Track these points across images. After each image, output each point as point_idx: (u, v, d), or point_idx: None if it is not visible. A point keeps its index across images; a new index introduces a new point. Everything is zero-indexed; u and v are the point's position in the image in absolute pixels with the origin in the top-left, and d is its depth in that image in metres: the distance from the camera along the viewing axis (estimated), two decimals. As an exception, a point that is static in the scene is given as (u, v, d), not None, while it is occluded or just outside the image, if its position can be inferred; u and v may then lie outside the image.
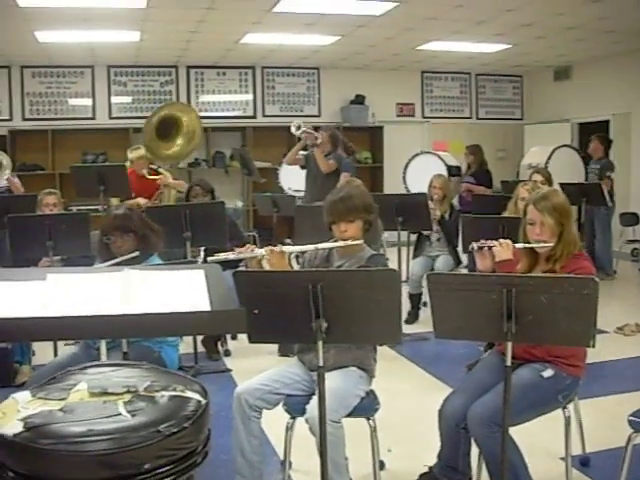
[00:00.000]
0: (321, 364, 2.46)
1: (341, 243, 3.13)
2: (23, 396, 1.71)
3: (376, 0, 7.05)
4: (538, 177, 6.03)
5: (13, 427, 1.56)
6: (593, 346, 2.34)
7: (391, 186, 10.70)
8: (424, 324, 6.20)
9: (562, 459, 3.16)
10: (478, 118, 12.42)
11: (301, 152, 7.35)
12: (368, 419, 3.06)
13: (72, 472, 1.52)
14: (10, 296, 2.04)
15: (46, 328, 1.95)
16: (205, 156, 11.00)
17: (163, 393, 1.71)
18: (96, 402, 1.68)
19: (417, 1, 7.09)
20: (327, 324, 2.39)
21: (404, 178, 9.10)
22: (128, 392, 1.71)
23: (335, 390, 2.90)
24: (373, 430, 3.07)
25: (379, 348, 5.45)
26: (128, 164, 7.00)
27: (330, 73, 11.47)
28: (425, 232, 6.49)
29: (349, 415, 3.00)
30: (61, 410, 1.64)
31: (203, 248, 5.39)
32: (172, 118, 7.36)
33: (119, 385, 1.75)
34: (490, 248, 3.10)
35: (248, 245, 3.25)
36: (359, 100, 11.50)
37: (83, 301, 2.04)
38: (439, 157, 8.95)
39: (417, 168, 8.87)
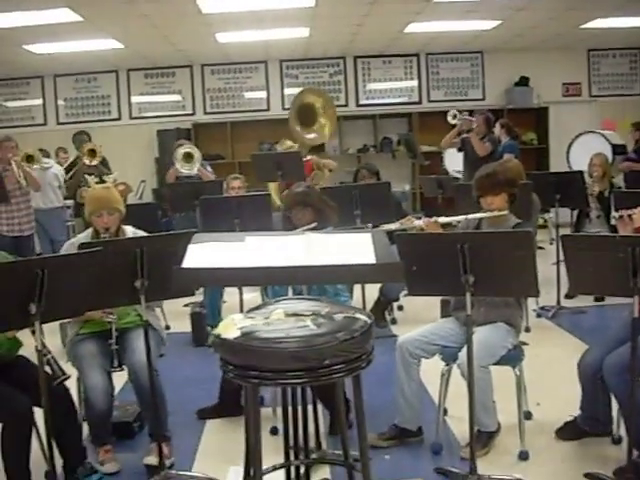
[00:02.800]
0: (469, 313, 2.92)
1: (488, 214, 3.55)
2: (238, 316, 2.32)
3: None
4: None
5: (233, 333, 2.17)
6: None
7: (557, 167, 10.59)
8: (582, 299, 6.41)
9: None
10: (649, 94, 12.07)
11: (454, 139, 7.76)
12: (514, 367, 3.47)
13: (273, 364, 2.12)
14: (217, 252, 2.60)
15: (246, 275, 2.50)
16: (373, 142, 11.50)
17: (339, 314, 2.26)
18: (290, 319, 2.26)
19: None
20: (474, 278, 2.83)
21: (567, 158, 9.17)
22: (313, 314, 2.27)
23: (484, 340, 3.35)
24: (518, 378, 3.47)
25: (537, 319, 5.85)
26: None
27: (493, 56, 11.54)
28: (585, 209, 6.67)
29: (496, 363, 3.42)
30: (265, 323, 2.23)
31: (371, 225, 5.89)
32: (308, 105, 7.80)
33: (306, 309, 2.33)
34: (630, 216, 3.38)
35: (409, 217, 3.72)
36: (523, 82, 11.50)
37: (274, 255, 2.58)
38: (603, 136, 8.94)
39: (581, 148, 8.90)
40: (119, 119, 11.50)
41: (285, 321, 2.22)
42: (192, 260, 2.42)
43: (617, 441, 3.46)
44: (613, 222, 3.49)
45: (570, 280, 2.88)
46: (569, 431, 3.59)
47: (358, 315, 2.29)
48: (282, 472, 2.91)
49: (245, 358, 2.14)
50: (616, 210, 3.43)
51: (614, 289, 2.87)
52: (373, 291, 5.87)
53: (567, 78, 11.84)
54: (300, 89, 9.77)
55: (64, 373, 3.11)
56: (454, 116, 7.66)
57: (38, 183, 6.89)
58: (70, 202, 8.39)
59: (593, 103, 11.91)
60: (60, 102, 11.44)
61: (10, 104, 11.38)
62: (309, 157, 7.65)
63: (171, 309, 6.04)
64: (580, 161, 8.23)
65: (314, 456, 3.10)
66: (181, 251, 2.43)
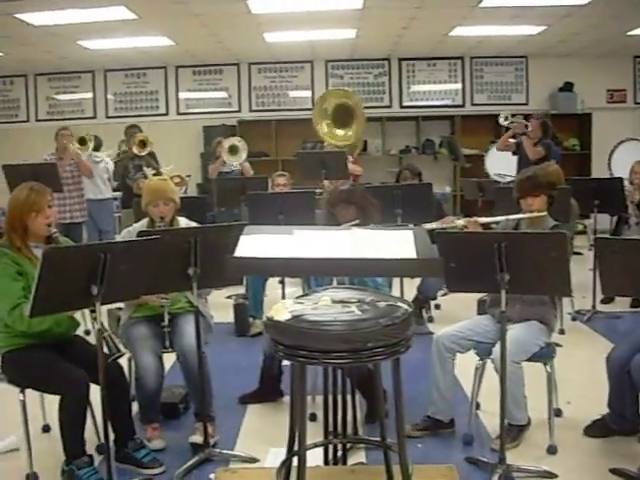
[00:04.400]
0: (503, 309, 3.07)
1: (527, 215, 3.69)
2: (288, 301, 2.51)
3: (581, -9, 7.31)
4: None
5: (284, 316, 2.36)
6: None
7: (598, 173, 10.59)
8: (618, 304, 6.50)
9: None
10: (695, 103, 11.98)
11: (511, 140, 7.81)
12: (545, 364, 3.60)
13: (320, 344, 2.30)
14: (267, 243, 2.77)
15: (294, 265, 2.67)
16: (415, 143, 11.59)
17: (382, 302, 2.44)
18: (336, 305, 2.44)
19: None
20: (509, 276, 2.97)
21: (609, 164, 9.21)
22: (358, 301, 2.44)
23: (518, 337, 3.49)
24: (549, 375, 3.60)
25: (572, 322, 5.94)
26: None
27: (538, 61, 11.52)
28: (624, 215, 6.73)
29: (529, 360, 3.56)
30: (314, 308, 2.42)
31: (412, 224, 6.04)
32: (344, 106, 7.91)
33: (351, 297, 2.50)
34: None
35: (449, 217, 3.87)
36: (568, 87, 11.48)
37: (321, 248, 2.74)
38: (645, 143, 8.97)
39: (623, 154, 8.96)
40: (166, 114, 11.78)
41: (332, 307, 2.41)
42: (244, 250, 2.60)
43: (644, 440, 3.57)
44: (631, 224, 3.58)
45: (602, 281, 3.01)
46: (597, 429, 3.70)
47: (400, 304, 2.47)
48: (321, 455, 3.10)
49: (294, 339, 2.32)
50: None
51: (645, 291, 2.99)
52: (411, 289, 6.01)
53: (612, 84, 11.77)
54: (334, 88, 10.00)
55: (119, 350, 3.32)
56: (505, 118, 7.76)
57: (90, 169, 7.21)
58: (118, 194, 8.68)
59: (638, 110, 11.85)
60: (110, 96, 11.76)
61: (61, 97, 11.73)
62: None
63: (214, 301, 6.16)
64: (621, 168, 8.25)
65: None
66: (232, 242, 2.60)
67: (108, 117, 11.72)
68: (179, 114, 11.78)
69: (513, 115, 7.93)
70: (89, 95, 11.75)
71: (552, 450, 3.54)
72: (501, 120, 7.83)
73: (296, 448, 2.45)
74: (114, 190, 8.39)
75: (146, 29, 8.51)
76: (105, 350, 3.15)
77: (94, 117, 11.74)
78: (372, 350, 2.28)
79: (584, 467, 3.41)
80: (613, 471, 3.30)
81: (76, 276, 2.84)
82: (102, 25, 8.09)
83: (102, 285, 2.86)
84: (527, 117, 7.83)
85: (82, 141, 7.35)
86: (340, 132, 7.79)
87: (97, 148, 8.13)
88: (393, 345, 2.33)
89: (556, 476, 3.29)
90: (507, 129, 7.89)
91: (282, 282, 5.48)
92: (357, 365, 2.53)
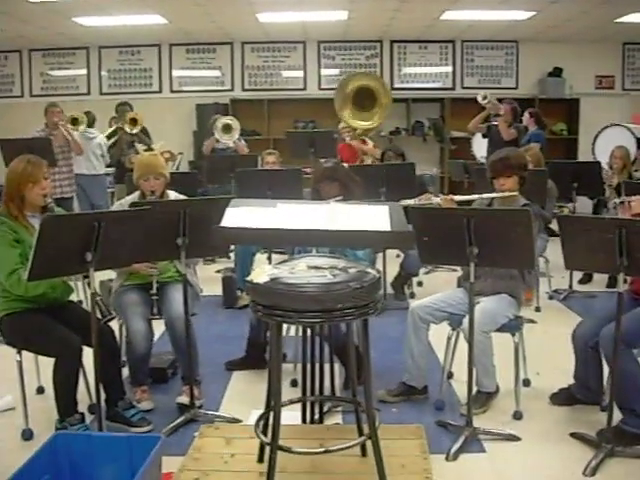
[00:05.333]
0: (472, 280, 3.27)
1: (499, 194, 3.89)
2: (268, 266, 2.72)
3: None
4: None
5: (263, 279, 2.56)
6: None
7: (585, 157, 10.73)
8: (595, 284, 6.73)
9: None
10: (683, 89, 12.14)
11: (481, 124, 8.02)
12: (513, 335, 3.82)
13: (295, 305, 2.51)
14: (252, 214, 2.96)
15: (276, 235, 2.87)
16: (406, 125, 11.76)
17: (353, 269, 2.64)
18: (311, 270, 2.64)
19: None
20: (477, 250, 3.17)
21: (593, 149, 9.39)
22: (331, 267, 2.64)
23: (488, 308, 3.71)
24: (517, 345, 3.82)
25: (549, 301, 6.16)
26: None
27: (528, 46, 11.69)
28: (603, 199, 6.94)
29: (498, 330, 3.77)
30: (290, 272, 2.63)
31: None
32: (368, 89, 8.09)
33: (326, 264, 2.70)
34: (629, 203, 3.68)
35: (427, 194, 4.07)
36: (557, 72, 11.64)
37: (301, 220, 2.93)
38: (628, 129, 9.14)
39: (606, 140, 9.09)
40: (160, 92, 11.91)
41: (307, 271, 2.62)
42: (230, 221, 2.79)
43: (605, 409, 3.76)
44: (609, 207, 3.79)
45: (565, 257, 3.21)
46: (562, 397, 3.92)
47: (369, 270, 2.67)
48: (299, 416, 3.32)
49: (272, 299, 2.54)
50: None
51: (603, 266, 3.19)
52: (394, 266, 6.22)
53: (600, 71, 11.95)
54: (348, 71, 10.09)
55: (110, 313, 3.51)
56: (484, 97, 7.94)
57: (80, 147, 7.35)
58: (111, 170, 8.84)
59: (625, 96, 12.01)
60: (104, 73, 11.88)
61: (55, 73, 11.85)
62: (353, 141, 7.98)
63: (204, 275, 6.39)
64: (605, 153, 8.42)
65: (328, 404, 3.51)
66: (219, 214, 2.80)
67: (102, 94, 11.83)
68: (172, 92, 11.92)
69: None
70: (83, 71, 11.86)
71: (517, 416, 3.76)
72: (479, 98, 8.01)
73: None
74: (107, 166, 8.55)
75: (141, 7, 8.64)
76: (98, 315, 3.34)
77: (88, 93, 11.85)
78: (343, 311, 2.50)
79: (547, 432, 3.62)
80: (573, 435, 3.52)
81: (72, 243, 3.02)
82: (97, 3, 8.24)
83: (96, 252, 3.04)
84: (500, 100, 8.03)
85: (74, 121, 7.50)
86: (364, 115, 7.95)
87: (91, 124, 8.27)
88: (362, 307, 2.55)
89: (519, 439, 3.51)
90: (483, 109, 8.09)
91: (269, 258, 5.68)
92: (328, 324, 2.72)
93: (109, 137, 8.66)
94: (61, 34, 10.42)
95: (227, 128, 7.97)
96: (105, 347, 3.46)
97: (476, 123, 8.09)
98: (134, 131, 8.04)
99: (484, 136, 8.01)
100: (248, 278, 2.62)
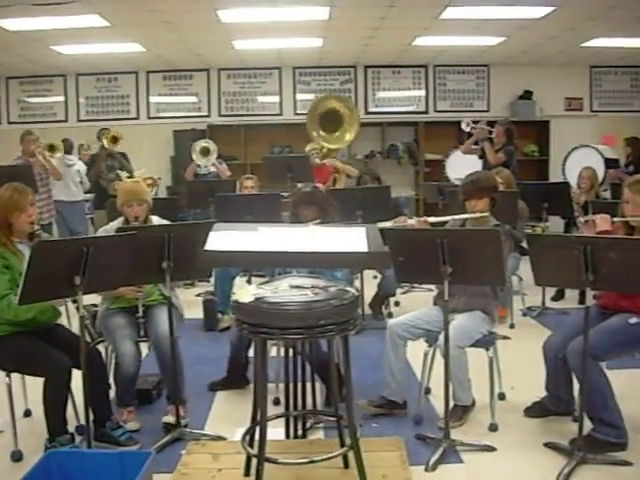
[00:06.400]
0: (446, 298, 3.42)
1: (471, 215, 4.06)
2: (252, 287, 2.85)
3: (535, 6, 7.72)
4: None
5: (248, 299, 2.70)
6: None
7: (556, 178, 10.86)
8: (567, 301, 6.92)
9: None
10: (649, 112, 12.46)
11: (474, 146, 8.19)
12: (487, 350, 3.97)
13: (279, 322, 2.65)
14: (234, 238, 3.09)
15: (258, 257, 3.01)
16: (380, 148, 11.95)
17: (333, 287, 2.78)
18: (293, 289, 2.78)
19: (575, 3, 7.56)
20: (451, 269, 3.33)
21: (563, 170, 9.63)
22: (312, 286, 2.78)
23: (462, 325, 3.87)
24: (491, 360, 3.97)
25: (522, 318, 6.32)
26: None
27: (499, 70, 11.95)
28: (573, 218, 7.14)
29: (472, 346, 3.92)
30: (274, 292, 2.76)
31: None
32: (336, 112, 8.24)
33: (307, 284, 2.84)
34: (594, 221, 3.87)
35: (402, 217, 4.23)
36: (527, 95, 11.90)
37: (282, 242, 3.06)
38: (597, 150, 9.39)
39: (576, 160, 9.31)
40: (137, 118, 12.02)
41: (290, 291, 2.76)
42: (214, 244, 2.92)
43: (577, 419, 3.92)
44: (579, 226, 3.97)
45: (534, 273, 3.37)
46: (536, 410, 4.08)
47: (348, 289, 2.81)
48: (282, 431, 3.44)
49: (256, 317, 2.67)
50: (586, 216, 3.93)
51: (570, 282, 3.36)
52: (372, 287, 6.37)
53: (569, 93, 12.23)
54: (322, 95, 10.24)
55: (100, 335, 3.62)
56: (467, 124, 8.13)
57: (59, 172, 7.46)
58: (90, 196, 8.94)
59: (594, 118, 12.29)
60: (81, 100, 11.98)
61: (33, 100, 11.92)
62: (327, 161, 8.13)
63: (184, 298, 6.46)
64: (574, 173, 8.65)
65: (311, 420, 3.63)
66: (202, 238, 2.93)
67: (79, 120, 11.94)
68: (150, 118, 12.03)
69: (475, 122, 8.26)
70: (61, 99, 11.96)
71: (493, 428, 3.91)
72: (463, 126, 8.21)
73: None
74: (87, 192, 8.65)
75: (118, 36, 8.78)
76: (87, 338, 3.44)
77: (66, 120, 11.94)
78: (324, 327, 2.64)
79: (522, 442, 3.77)
80: (547, 444, 3.66)
81: (61, 267, 3.12)
82: (76, 32, 8.35)
83: (84, 276, 3.15)
84: (492, 124, 8.22)
85: (51, 148, 7.61)
86: (333, 135, 8.06)
87: (68, 151, 8.40)
88: (342, 323, 2.69)
89: (495, 449, 3.65)
90: (470, 135, 8.27)
91: (249, 281, 5.80)
92: (310, 340, 2.86)
93: (91, 162, 8.76)
94: (38, 62, 10.53)
95: (205, 151, 8.13)
96: (93, 369, 3.56)
97: (467, 147, 8.25)
98: (115, 149, 8.18)
99: (480, 157, 8.14)
100: (233, 298, 2.75)
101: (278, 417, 3.27)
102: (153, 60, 10.81)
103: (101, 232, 4.36)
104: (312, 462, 2.80)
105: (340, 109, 8.08)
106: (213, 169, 8.22)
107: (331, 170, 8.08)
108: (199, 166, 8.17)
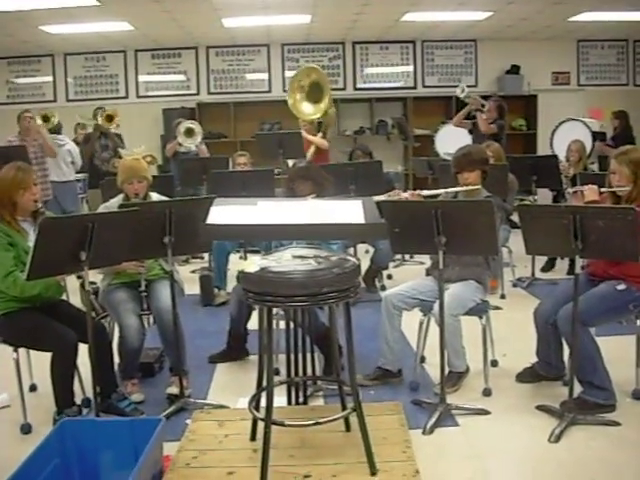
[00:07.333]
0: (441, 267, 3.53)
1: (463, 188, 4.17)
2: (257, 257, 2.95)
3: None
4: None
5: (253, 269, 2.80)
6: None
7: (544, 151, 10.93)
8: (556, 272, 7.07)
9: None
10: (635, 85, 12.48)
11: (465, 120, 8.26)
12: (480, 318, 4.10)
13: (283, 290, 2.75)
14: (235, 212, 3.18)
15: (258, 230, 3.09)
16: (369, 124, 12.02)
17: (335, 256, 2.89)
18: (296, 259, 2.89)
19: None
20: (445, 239, 3.44)
21: (551, 143, 9.73)
22: (315, 256, 2.88)
23: (456, 294, 3.99)
24: (484, 327, 4.11)
25: (513, 289, 6.45)
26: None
27: (487, 45, 12.00)
28: (562, 190, 7.27)
29: (466, 314, 4.05)
30: (278, 262, 2.87)
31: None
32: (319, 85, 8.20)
33: (309, 254, 2.95)
34: (582, 192, 3.98)
35: (395, 190, 4.33)
36: (514, 70, 11.97)
37: (282, 216, 3.16)
38: (584, 123, 9.48)
39: (564, 134, 9.37)
40: (126, 97, 12.02)
41: (293, 261, 2.87)
42: (215, 219, 3.01)
43: (567, 383, 4.06)
44: (568, 197, 4.09)
45: (525, 243, 3.49)
46: (527, 375, 4.22)
47: (349, 258, 2.92)
48: (284, 400, 3.56)
49: (262, 286, 2.77)
50: (574, 187, 4.04)
51: (560, 250, 3.49)
52: (365, 260, 6.47)
53: (556, 67, 12.31)
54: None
55: (104, 310, 3.72)
56: (462, 90, 8.19)
57: (54, 150, 7.51)
58: (82, 175, 8.99)
59: (581, 92, 12.37)
60: (70, 80, 11.95)
61: (21, 81, 11.89)
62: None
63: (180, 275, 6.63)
64: (562, 146, 8.72)
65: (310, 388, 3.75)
66: (203, 214, 3.01)
67: (68, 100, 11.93)
68: (139, 97, 12.04)
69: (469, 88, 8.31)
70: (49, 79, 11.93)
71: (487, 393, 4.05)
72: (458, 92, 8.27)
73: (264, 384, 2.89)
74: (79, 171, 8.69)
75: (107, 15, 8.78)
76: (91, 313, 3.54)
77: (54, 100, 11.90)
78: (327, 294, 2.74)
79: (514, 406, 3.92)
80: (538, 407, 3.81)
81: (67, 243, 3.22)
82: (65, 11, 8.36)
83: (90, 251, 3.25)
84: (485, 98, 8.30)
85: (45, 118, 7.65)
86: (308, 107, 8.04)
87: (58, 132, 8.42)
88: (344, 290, 2.80)
89: (489, 413, 3.79)
90: (463, 104, 8.34)
91: (244, 257, 5.91)
92: (315, 306, 2.98)
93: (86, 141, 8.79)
94: (27, 42, 10.50)
95: (190, 132, 8.19)
96: (99, 342, 3.66)
97: (459, 119, 8.34)
98: (111, 127, 8.23)
99: (470, 132, 8.23)
100: (239, 268, 2.85)
101: (282, 383, 3.39)
102: (141, 39, 10.81)
103: (101, 209, 4.44)
104: (317, 424, 2.92)
105: (320, 81, 8.02)
106: (194, 148, 8.29)
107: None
108: (180, 145, 8.24)
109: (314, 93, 7.84)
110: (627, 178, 3.77)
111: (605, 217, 3.19)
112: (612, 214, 3.19)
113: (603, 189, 3.89)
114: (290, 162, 7.31)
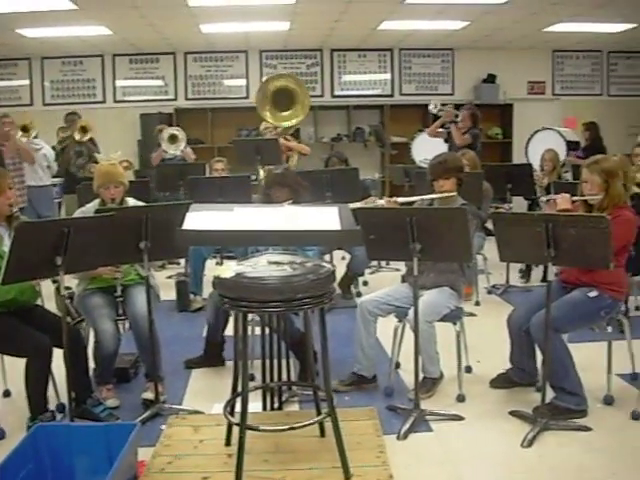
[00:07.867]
0: (416, 274, 3.58)
1: (439, 195, 4.22)
2: (232, 263, 2.96)
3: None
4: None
5: (229, 274, 2.81)
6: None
7: (519, 160, 11.01)
8: (533, 280, 7.14)
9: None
10: (609, 95, 12.65)
11: (440, 129, 8.34)
12: (454, 324, 4.14)
13: (258, 296, 2.77)
14: (211, 218, 3.19)
15: (234, 236, 3.11)
16: (346, 131, 12.05)
17: (310, 263, 2.91)
18: (272, 265, 2.90)
19: (538, -12, 7.80)
20: (420, 246, 3.48)
21: (526, 152, 9.84)
22: (290, 262, 2.90)
23: (431, 300, 4.03)
24: (458, 333, 4.15)
25: (487, 295, 6.51)
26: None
27: (463, 54, 12.10)
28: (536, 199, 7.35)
29: (440, 320, 4.08)
30: (253, 268, 2.89)
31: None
32: (287, 90, 8.22)
33: (285, 260, 2.96)
34: (555, 200, 4.04)
35: (371, 197, 4.36)
36: (491, 79, 12.07)
37: (258, 222, 3.18)
38: (558, 133, 9.61)
39: (538, 143, 9.51)
40: (104, 102, 11.95)
41: (268, 266, 2.88)
42: (190, 224, 3.02)
43: (540, 389, 4.11)
44: (542, 206, 4.15)
45: (499, 250, 3.54)
46: (501, 381, 4.27)
47: (324, 264, 2.95)
48: (259, 405, 3.57)
49: (237, 292, 2.79)
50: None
51: (533, 257, 3.54)
52: (341, 267, 6.51)
53: (532, 77, 12.42)
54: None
55: (80, 315, 3.71)
56: (435, 106, 8.27)
57: (32, 156, 7.46)
58: (58, 180, 8.93)
59: (556, 101, 12.51)
60: (46, 84, 11.86)
61: (-3, 84, 11.80)
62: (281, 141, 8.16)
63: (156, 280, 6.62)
64: (537, 155, 8.84)
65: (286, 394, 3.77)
66: (179, 219, 3.02)
67: (45, 104, 11.83)
68: (116, 102, 11.98)
69: (443, 104, 8.41)
70: (26, 82, 11.83)
71: (461, 399, 4.09)
72: (431, 107, 8.35)
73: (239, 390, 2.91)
74: (55, 176, 8.65)
75: (85, 19, 8.75)
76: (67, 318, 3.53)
77: (31, 104, 11.81)
78: (302, 300, 2.77)
79: (488, 411, 3.96)
80: (512, 413, 3.85)
81: (43, 248, 3.21)
82: (42, 15, 8.31)
83: (65, 256, 3.24)
84: (458, 107, 8.37)
85: (24, 128, 7.61)
86: (284, 114, 8.04)
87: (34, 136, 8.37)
88: (319, 296, 2.83)
89: (463, 418, 3.83)
90: (436, 117, 8.42)
91: (220, 262, 5.91)
92: (290, 311, 2.99)
93: (61, 142, 8.75)
94: (3, 45, 10.42)
95: (173, 138, 8.21)
96: (74, 348, 3.64)
97: (434, 130, 8.41)
98: (84, 139, 8.19)
99: (446, 141, 8.30)
100: (215, 274, 2.86)
101: (257, 388, 3.41)
102: (119, 43, 10.76)
103: (78, 214, 4.43)
104: (292, 429, 2.94)
105: (290, 86, 8.02)
106: (179, 153, 8.30)
107: (284, 149, 8.12)
108: (165, 152, 8.24)
109: (282, 100, 7.84)
110: (599, 187, 3.83)
111: (577, 225, 3.25)
112: (584, 222, 3.25)
113: (575, 197, 3.95)
114: (261, 171, 7.29)
